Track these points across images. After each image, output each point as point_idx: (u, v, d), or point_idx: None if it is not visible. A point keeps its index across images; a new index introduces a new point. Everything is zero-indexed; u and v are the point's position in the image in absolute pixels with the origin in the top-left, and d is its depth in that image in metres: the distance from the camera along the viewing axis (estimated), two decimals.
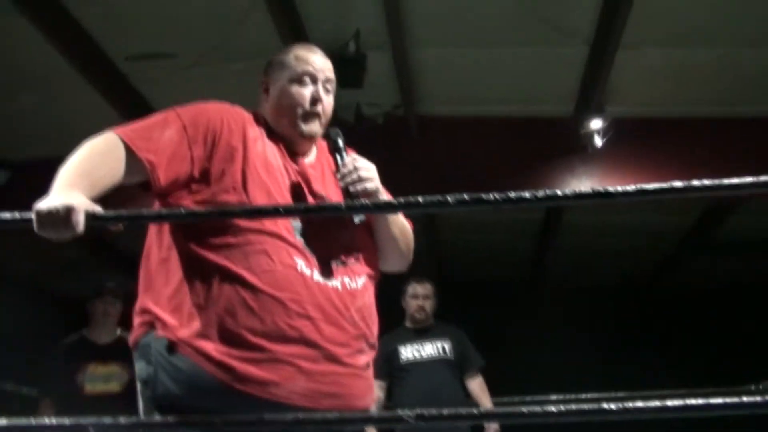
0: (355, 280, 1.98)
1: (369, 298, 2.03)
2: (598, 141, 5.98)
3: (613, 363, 9.49)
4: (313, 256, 1.93)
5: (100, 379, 4.43)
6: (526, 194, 1.69)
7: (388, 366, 4.92)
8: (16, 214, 1.71)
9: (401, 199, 1.72)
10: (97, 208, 1.74)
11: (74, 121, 5.97)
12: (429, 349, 5.01)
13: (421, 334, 5.10)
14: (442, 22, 5.30)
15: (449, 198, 1.66)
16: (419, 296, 5.13)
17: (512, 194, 1.70)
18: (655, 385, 7.11)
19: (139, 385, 1.94)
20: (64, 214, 1.69)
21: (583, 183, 6.30)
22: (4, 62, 5.22)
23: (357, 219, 2.04)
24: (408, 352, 5.01)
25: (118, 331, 4.64)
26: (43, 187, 6.17)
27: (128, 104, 5.72)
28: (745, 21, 4.98)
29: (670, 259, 8.88)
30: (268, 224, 1.89)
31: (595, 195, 1.71)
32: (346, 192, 2.01)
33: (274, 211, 1.76)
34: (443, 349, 5.04)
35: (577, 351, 9.43)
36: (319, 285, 1.90)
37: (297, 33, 5.23)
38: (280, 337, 1.83)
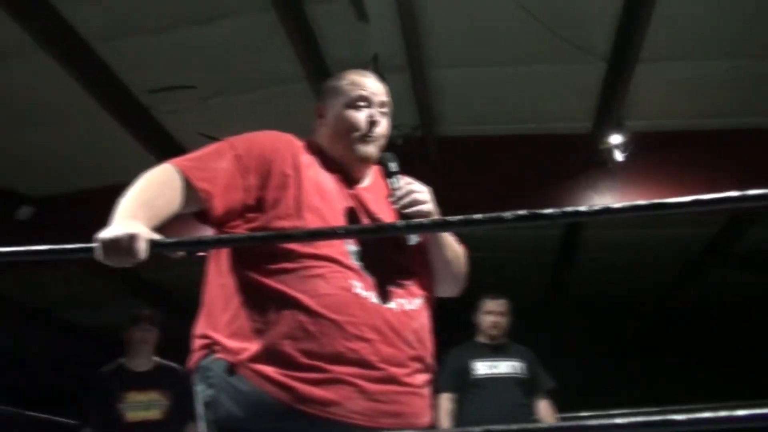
0: (411, 302, 1.99)
1: (425, 320, 2.03)
2: (619, 156, 5.99)
3: (633, 376, 9.46)
4: (370, 279, 1.94)
5: (140, 406, 4.45)
6: (583, 208, 1.69)
7: (460, 380, 4.89)
8: (80, 245, 1.73)
9: (457, 218, 1.73)
10: (157, 236, 1.76)
11: (97, 155, 6.05)
12: (503, 366, 4.97)
13: (496, 350, 5.06)
14: (460, 42, 5.34)
15: (506, 215, 1.66)
16: (494, 312, 5.10)
17: (568, 209, 1.70)
18: (678, 398, 7.06)
19: (199, 408, 1.94)
20: (127, 242, 1.72)
21: (604, 198, 6.29)
22: (27, 98, 5.28)
23: (413, 240, 2.05)
24: (483, 367, 4.96)
25: (156, 359, 4.66)
26: (66, 222, 6.23)
27: (151, 136, 5.78)
28: (763, 33, 4.99)
29: (690, 272, 8.84)
30: (324, 249, 1.90)
31: (651, 207, 1.71)
32: (401, 215, 2.01)
33: (331, 233, 1.77)
34: (517, 368, 5.00)
35: (597, 364, 9.40)
36: (376, 307, 1.91)
37: (316, 59, 5.29)
38: (339, 359, 1.84)
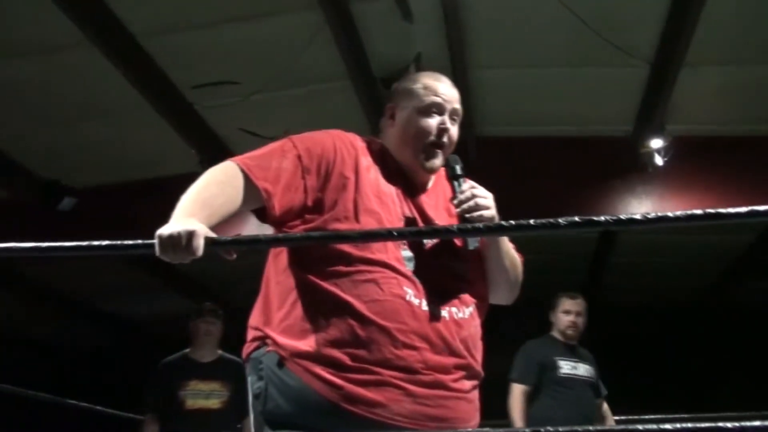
0: (462, 310, 1.99)
1: (475, 328, 2.04)
2: (659, 160, 5.94)
3: (665, 382, 9.39)
4: (423, 286, 1.94)
5: (201, 395, 4.56)
6: (637, 216, 1.70)
7: (543, 375, 4.83)
8: (139, 241, 1.77)
9: (510, 222, 1.75)
10: (213, 234, 1.80)
11: (140, 147, 6.14)
12: (582, 368, 4.92)
13: (573, 351, 5.00)
14: (503, 43, 5.35)
15: (561, 220, 1.68)
16: (572, 312, 5.01)
17: (623, 216, 1.71)
18: (714, 404, 7.00)
19: (251, 399, 1.98)
20: (186, 239, 1.76)
21: (643, 203, 6.27)
22: (75, 93, 5.37)
23: (472, 245, 2.04)
24: (567, 366, 4.89)
25: (219, 352, 4.77)
26: (106, 213, 6.32)
27: (193, 131, 5.86)
28: None
29: (727, 279, 8.75)
30: (379, 254, 1.92)
31: (707, 216, 1.74)
32: (462, 219, 2.00)
33: (387, 234, 1.79)
34: (590, 370, 4.96)
35: (631, 368, 9.34)
36: (427, 314, 1.92)
37: (359, 57, 5.32)
38: (386, 364, 1.86)
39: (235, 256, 1.88)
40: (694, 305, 9.52)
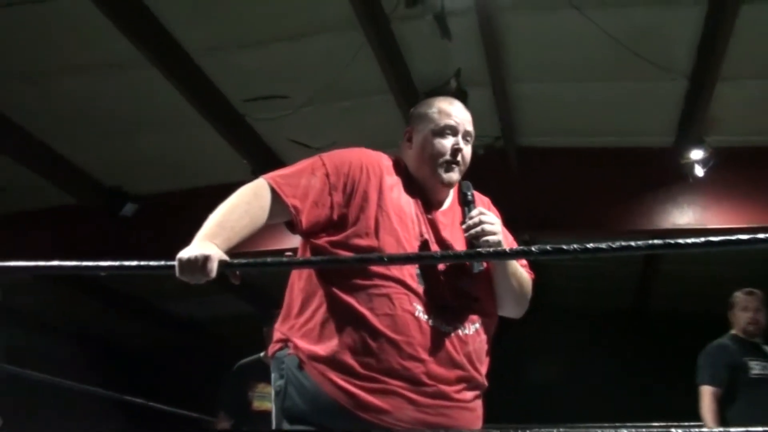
0: (468, 327, 2.13)
1: (480, 344, 2.17)
2: (699, 171, 6.01)
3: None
4: (432, 302, 2.09)
5: (267, 397, 4.75)
6: (681, 241, 1.76)
7: (733, 376, 4.64)
8: (162, 262, 2.00)
9: (515, 249, 1.89)
10: (227, 258, 2.01)
11: (196, 157, 6.48)
12: None
13: (759, 349, 4.80)
14: (541, 58, 5.49)
15: (564, 247, 1.80)
16: (750, 308, 4.82)
17: (668, 240, 1.78)
18: None
19: (272, 395, 2.21)
20: (201, 263, 1.97)
21: (685, 213, 6.33)
22: (135, 107, 5.73)
23: (476, 269, 2.17)
24: (758, 367, 4.69)
25: None
26: (164, 218, 6.65)
27: (245, 142, 6.16)
28: None
29: None
30: (394, 270, 2.07)
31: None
32: (470, 243, 2.14)
33: (378, 260, 1.99)
34: None
35: (686, 377, 9.32)
36: (434, 330, 2.07)
37: (401, 72, 5.54)
38: (393, 374, 2.03)
39: (239, 281, 2.09)
40: None
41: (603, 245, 1.76)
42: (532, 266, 2.37)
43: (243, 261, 2.01)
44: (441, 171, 2.22)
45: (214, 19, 4.96)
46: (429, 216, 2.23)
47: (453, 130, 2.24)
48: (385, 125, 6.14)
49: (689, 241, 1.73)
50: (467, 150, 2.27)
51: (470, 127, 2.29)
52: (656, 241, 1.75)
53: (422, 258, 2.08)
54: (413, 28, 5.16)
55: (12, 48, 5.01)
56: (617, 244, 1.76)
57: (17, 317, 7.80)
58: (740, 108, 5.71)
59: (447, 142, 2.23)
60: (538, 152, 6.55)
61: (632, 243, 1.77)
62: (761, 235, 1.65)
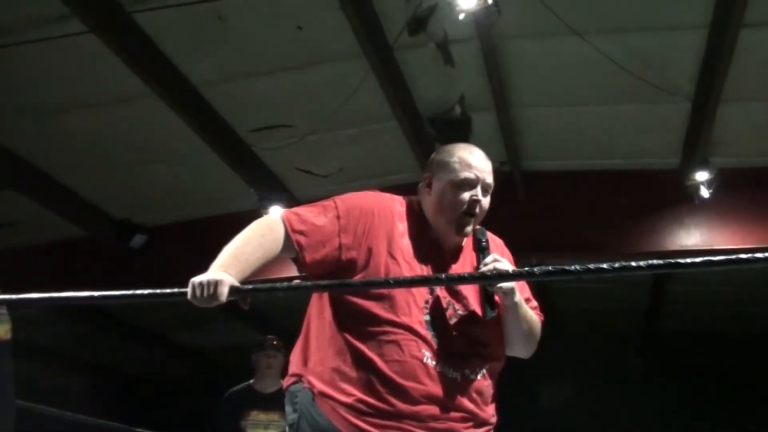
0: (475, 372, 2.19)
1: (487, 388, 2.23)
2: (705, 192, 6.03)
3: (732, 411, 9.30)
4: (440, 349, 2.14)
5: (260, 425, 4.82)
6: (682, 261, 1.79)
7: None
8: (176, 290, 2.05)
9: (518, 270, 1.92)
10: (237, 284, 2.05)
11: (203, 188, 6.54)
12: None
13: None
14: (544, 83, 5.55)
15: (567, 267, 1.82)
16: None
17: (668, 260, 1.81)
18: None
19: (287, 429, 2.26)
20: (213, 287, 2.03)
21: (691, 234, 6.35)
22: (142, 139, 5.80)
23: (488, 316, 2.20)
24: None
25: (281, 382, 4.98)
26: (174, 249, 6.68)
27: (252, 171, 6.21)
28: None
29: None
30: (403, 317, 2.13)
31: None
32: (483, 289, 2.19)
33: (384, 283, 2.03)
34: None
35: (697, 399, 9.30)
36: (441, 376, 2.13)
37: (405, 99, 5.60)
38: (401, 416, 2.09)
39: (247, 306, 2.13)
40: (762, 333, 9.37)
41: (605, 265, 1.79)
42: (540, 303, 2.41)
43: (251, 286, 2.05)
44: (458, 222, 2.25)
45: (218, 52, 5.02)
46: (441, 262, 2.26)
47: (472, 183, 2.26)
48: (390, 152, 6.21)
49: (689, 260, 1.75)
50: (485, 201, 2.29)
51: (490, 179, 2.30)
52: (656, 262, 1.77)
53: (428, 280, 2.11)
54: (417, 55, 5.23)
55: (20, 84, 5.09)
56: (619, 264, 1.79)
57: (27, 351, 7.82)
58: (744, 129, 5.75)
59: (466, 195, 2.25)
60: (544, 176, 6.59)
61: (633, 263, 1.79)
62: (760, 255, 1.66)
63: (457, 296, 2.22)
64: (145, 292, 2.09)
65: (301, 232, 2.16)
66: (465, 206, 2.24)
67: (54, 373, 8.62)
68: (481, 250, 2.24)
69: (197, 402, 9.67)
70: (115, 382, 10.28)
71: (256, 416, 4.84)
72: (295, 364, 2.27)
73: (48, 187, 6.20)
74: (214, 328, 8.75)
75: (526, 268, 2.12)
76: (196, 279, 2.05)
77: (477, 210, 2.26)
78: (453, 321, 2.19)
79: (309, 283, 2.07)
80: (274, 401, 4.86)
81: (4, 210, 6.47)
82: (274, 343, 5.09)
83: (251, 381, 5.05)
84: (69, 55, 4.81)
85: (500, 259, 2.20)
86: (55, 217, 6.56)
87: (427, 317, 2.16)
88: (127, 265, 6.85)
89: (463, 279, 2.18)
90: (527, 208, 6.55)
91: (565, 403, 9.57)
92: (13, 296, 2.20)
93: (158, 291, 2.08)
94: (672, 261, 1.73)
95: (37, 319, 7.15)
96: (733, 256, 1.73)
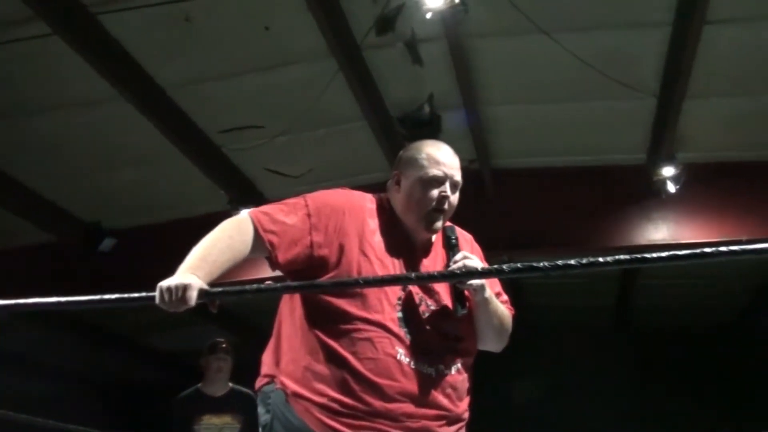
0: (449, 367, 2.19)
1: (461, 382, 2.23)
2: (672, 187, 6.11)
3: (707, 404, 9.40)
4: (414, 346, 2.14)
5: (214, 429, 4.79)
6: (648, 255, 1.79)
7: None
8: (143, 294, 2.03)
9: (487, 268, 1.94)
10: (206, 287, 2.04)
11: (173, 190, 6.50)
12: None
13: None
14: (512, 81, 5.59)
15: (536, 264, 1.83)
16: None
17: (635, 255, 1.83)
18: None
19: (260, 430, 2.23)
20: (182, 292, 2.01)
21: (659, 228, 6.42)
22: (109, 142, 5.75)
23: (459, 313, 2.22)
24: None
25: (230, 385, 4.99)
26: (143, 252, 6.63)
27: (222, 173, 6.19)
28: None
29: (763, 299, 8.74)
30: (376, 315, 2.13)
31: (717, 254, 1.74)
32: (453, 286, 2.21)
33: (354, 282, 2.03)
34: None
35: (670, 392, 9.40)
36: (415, 372, 2.13)
37: (374, 99, 5.60)
38: (376, 414, 2.09)
39: (216, 310, 2.12)
40: (729, 326, 9.49)
41: (573, 262, 1.80)
42: (513, 301, 2.43)
43: (221, 289, 2.04)
44: (427, 219, 2.25)
45: (186, 53, 4.99)
46: (412, 258, 2.27)
47: (441, 179, 2.27)
48: (360, 152, 6.21)
49: (654, 255, 1.77)
50: (454, 198, 2.30)
51: (458, 176, 2.31)
52: (623, 257, 1.80)
53: (399, 279, 2.12)
54: (385, 55, 5.24)
55: None
56: (586, 260, 1.80)
57: None
58: (709, 125, 5.83)
59: (435, 191, 2.26)
60: (512, 173, 6.63)
61: (600, 259, 1.81)
62: (723, 248, 1.69)
63: (430, 292, 2.23)
64: (113, 296, 2.07)
65: (272, 232, 2.15)
66: (434, 203, 2.25)
67: (19, 379, 8.50)
68: (451, 248, 2.25)
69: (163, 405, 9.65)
70: (85, 387, 10.17)
71: (209, 420, 4.81)
72: (267, 365, 2.25)
73: (15, 192, 6.13)
74: (188, 331, 8.69)
75: (495, 266, 2.12)
76: (164, 283, 2.02)
77: (446, 206, 2.26)
78: (426, 317, 2.20)
79: (278, 285, 2.07)
80: (226, 404, 4.88)
81: None
82: (224, 346, 5.05)
83: (199, 385, 5.01)
84: (33, 58, 4.76)
85: (470, 256, 2.22)
86: (23, 222, 6.48)
87: (400, 314, 2.16)
88: (95, 269, 6.79)
89: (433, 278, 2.19)
90: (496, 205, 6.59)
91: (538, 400, 9.63)
92: None
93: (126, 296, 2.06)
94: (638, 256, 1.75)
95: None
96: (698, 251, 1.76)
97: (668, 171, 6.08)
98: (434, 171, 2.26)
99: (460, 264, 2.19)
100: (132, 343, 9.52)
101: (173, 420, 4.88)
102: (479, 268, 2.17)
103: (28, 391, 8.14)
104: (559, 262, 1.85)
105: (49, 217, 6.56)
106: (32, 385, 8.74)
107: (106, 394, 10.37)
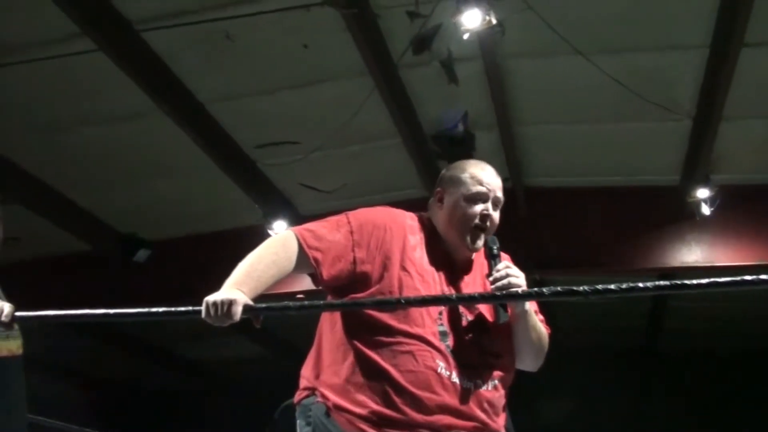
0: (487, 383, 2.21)
1: (498, 399, 2.25)
2: (706, 209, 6.08)
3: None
4: (454, 360, 2.17)
5: None
6: (688, 282, 1.82)
7: None
8: (190, 308, 2.08)
9: (527, 290, 1.96)
10: (251, 303, 2.08)
11: (208, 203, 6.58)
12: None
13: None
14: (547, 101, 5.61)
15: (575, 288, 1.87)
16: None
17: (675, 282, 1.86)
18: None
19: None
20: (226, 307, 2.06)
21: (692, 250, 6.39)
22: (149, 155, 5.85)
23: (502, 319, 2.23)
24: None
25: None
26: (178, 263, 6.72)
27: (256, 187, 6.26)
28: None
29: None
30: (417, 328, 2.16)
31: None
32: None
33: (396, 302, 2.06)
34: None
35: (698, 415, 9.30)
36: (455, 386, 2.16)
37: (409, 116, 5.65)
38: (416, 425, 2.11)
39: (260, 325, 2.16)
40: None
41: (613, 286, 1.82)
42: (547, 319, 2.43)
43: (265, 305, 2.09)
44: (469, 236, 2.28)
45: (225, 69, 5.08)
46: (453, 274, 2.29)
47: (484, 197, 2.29)
48: (393, 169, 6.26)
49: (694, 282, 1.78)
50: (496, 215, 2.32)
51: (500, 194, 2.33)
52: (663, 282, 1.83)
53: (439, 300, 2.14)
54: (421, 74, 5.28)
55: (27, 101, 5.14)
56: (626, 285, 1.82)
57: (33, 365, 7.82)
58: (744, 147, 5.80)
59: (477, 208, 2.28)
60: (545, 192, 6.63)
61: (640, 284, 1.83)
62: (764, 276, 1.70)
63: (470, 306, 2.26)
64: (161, 309, 2.11)
65: (317, 249, 2.19)
66: (476, 219, 2.27)
67: (58, 387, 8.61)
68: (493, 258, 2.27)
69: (193, 415, 9.72)
70: (116, 395, 10.26)
71: None
72: (306, 378, 2.28)
73: (54, 202, 6.25)
74: (216, 342, 8.75)
75: (535, 289, 2.16)
76: (210, 298, 2.07)
77: (488, 224, 2.28)
78: (466, 331, 2.22)
79: (321, 302, 2.11)
80: None
81: (10, 224, 6.45)
82: None
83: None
84: (78, 73, 4.87)
85: (511, 266, 2.24)
86: (61, 232, 6.59)
87: (441, 328, 2.19)
88: (130, 279, 6.89)
89: (473, 299, 2.21)
90: (529, 224, 6.59)
91: (565, 419, 9.57)
92: (29, 313, 2.23)
93: (173, 309, 2.11)
94: (678, 282, 1.77)
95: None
96: (738, 278, 1.76)
97: (703, 193, 6.05)
98: (478, 188, 2.29)
99: (502, 273, 2.21)
100: (161, 350, 9.59)
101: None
102: (519, 291, 2.19)
103: (56, 396, 8.24)
104: (599, 287, 1.87)
105: (86, 228, 6.67)
106: (67, 394, 8.84)
107: (124, 400, 10.45)
